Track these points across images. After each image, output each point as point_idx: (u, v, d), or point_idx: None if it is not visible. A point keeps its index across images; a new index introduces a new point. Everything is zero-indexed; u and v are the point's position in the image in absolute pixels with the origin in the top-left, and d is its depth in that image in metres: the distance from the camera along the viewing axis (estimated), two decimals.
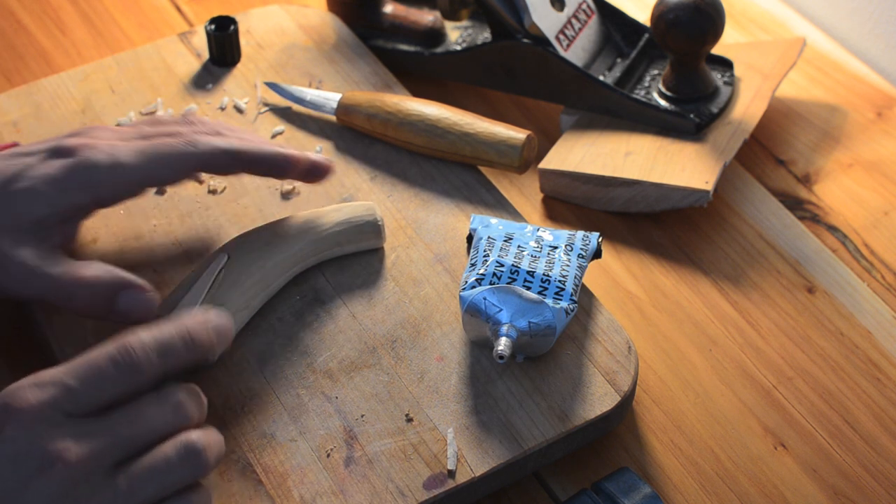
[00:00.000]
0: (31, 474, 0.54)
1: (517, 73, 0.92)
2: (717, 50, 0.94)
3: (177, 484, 0.58)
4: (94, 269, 0.69)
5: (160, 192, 0.84)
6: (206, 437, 0.60)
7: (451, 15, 0.93)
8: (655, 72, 0.92)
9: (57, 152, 0.72)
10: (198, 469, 0.58)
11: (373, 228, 0.78)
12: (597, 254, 0.78)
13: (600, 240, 0.78)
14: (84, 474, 0.55)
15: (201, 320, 0.62)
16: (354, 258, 0.79)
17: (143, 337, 0.60)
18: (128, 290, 0.69)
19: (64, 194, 0.70)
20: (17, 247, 0.69)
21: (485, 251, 0.75)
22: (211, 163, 0.73)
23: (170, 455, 0.58)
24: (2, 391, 0.57)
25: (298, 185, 0.84)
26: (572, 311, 0.72)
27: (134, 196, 0.74)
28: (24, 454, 0.54)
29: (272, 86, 0.91)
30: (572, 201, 0.88)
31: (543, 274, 0.73)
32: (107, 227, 0.82)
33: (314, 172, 0.77)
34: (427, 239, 0.81)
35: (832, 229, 0.87)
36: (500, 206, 0.83)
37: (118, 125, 0.85)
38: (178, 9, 1.07)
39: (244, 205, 0.83)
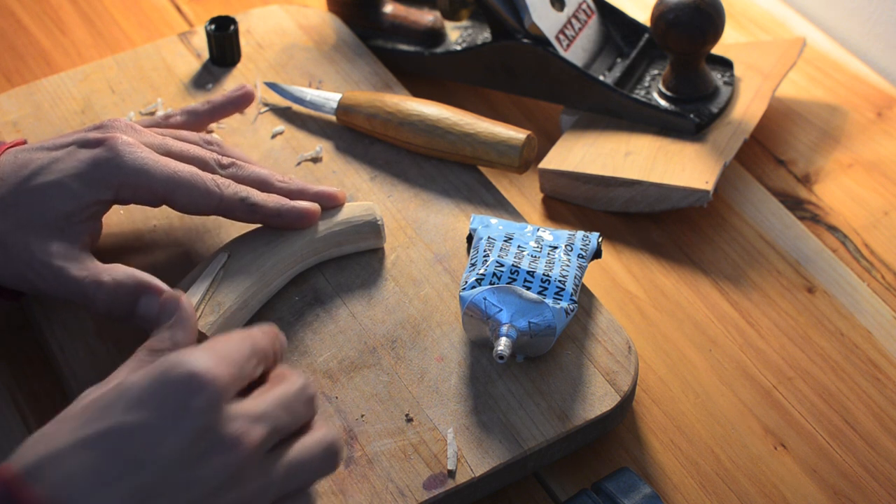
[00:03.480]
0: (212, 450, 0.53)
1: (517, 73, 0.92)
2: (717, 50, 0.94)
3: (316, 478, 0.59)
4: (116, 274, 0.70)
5: None
6: (341, 438, 0.60)
7: (451, 15, 0.93)
8: (655, 72, 0.92)
9: (84, 145, 0.72)
10: (333, 466, 0.59)
11: (372, 229, 0.78)
12: (597, 254, 0.78)
13: (600, 240, 0.78)
14: (254, 459, 0.55)
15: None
16: (354, 258, 0.79)
17: (261, 338, 0.60)
18: (148, 294, 0.69)
19: (90, 188, 0.71)
20: (44, 244, 0.70)
21: (485, 251, 0.75)
22: (228, 212, 0.74)
23: (315, 451, 0.58)
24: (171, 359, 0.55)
25: None
26: (572, 311, 0.72)
27: (147, 205, 0.74)
28: (210, 430, 0.54)
29: (272, 86, 0.91)
30: (572, 201, 0.88)
31: (543, 274, 0.73)
32: (107, 226, 0.81)
33: (329, 206, 0.79)
34: (427, 239, 0.81)
35: (832, 229, 0.87)
36: (500, 206, 0.83)
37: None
38: (178, 9, 1.07)
39: None
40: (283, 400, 0.58)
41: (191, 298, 0.71)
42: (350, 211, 0.79)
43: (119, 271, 0.70)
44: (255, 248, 0.75)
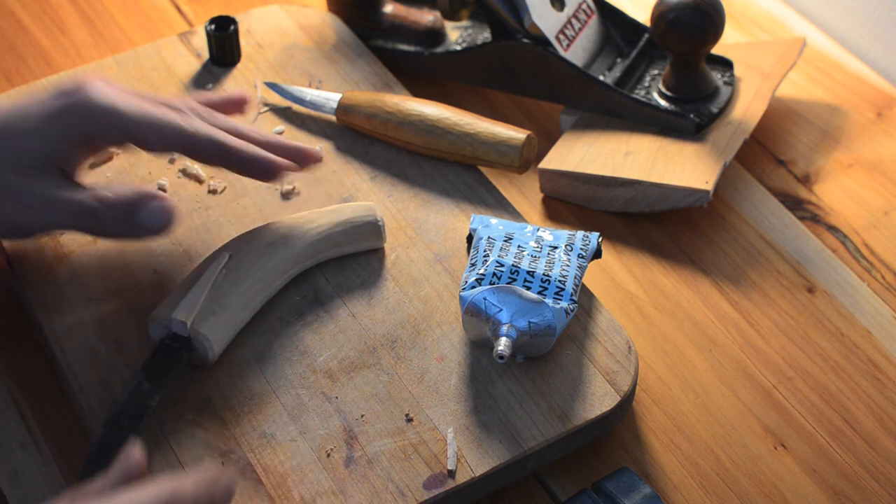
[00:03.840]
0: None
1: (517, 73, 0.92)
2: (717, 50, 0.94)
3: None
4: (116, 188, 0.71)
5: (171, 161, 0.85)
6: None
7: (451, 15, 0.93)
8: (655, 72, 0.92)
9: (58, 96, 0.72)
10: None
11: (373, 229, 0.78)
12: (597, 254, 0.78)
13: (600, 240, 0.78)
14: None
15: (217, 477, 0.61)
16: (354, 258, 0.79)
17: (191, 489, 0.58)
18: (147, 201, 0.70)
19: (59, 130, 0.71)
20: (29, 180, 0.70)
21: (485, 251, 0.75)
22: (197, 148, 0.74)
23: None
24: None
25: (299, 185, 0.84)
26: (572, 311, 0.72)
27: (119, 145, 0.74)
28: None
29: (272, 86, 0.91)
30: (572, 201, 0.88)
31: (543, 274, 0.73)
32: None
33: (303, 164, 0.78)
34: (427, 239, 0.81)
35: (832, 229, 0.87)
36: (500, 206, 0.83)
37: None
38: (178, 9, 1.07)
39: (244, 205, 0.83)
40: None
41: (192, 299, 0.72)
42: (350, 211, 0.79)
43: (117, 186, 0.71)
44: (255, 248, 0.75)
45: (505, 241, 0.76)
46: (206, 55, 0.95)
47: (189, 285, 0.73)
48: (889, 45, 1.01)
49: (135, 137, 0.73)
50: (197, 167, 0.85)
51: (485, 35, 0.96)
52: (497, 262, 0.74)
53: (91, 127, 0.72)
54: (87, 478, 0.62)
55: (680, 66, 0.88)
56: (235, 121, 0.78)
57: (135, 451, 0.61)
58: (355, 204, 0.79)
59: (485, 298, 0.72)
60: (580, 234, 0.78)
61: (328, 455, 0.69)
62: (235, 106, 0.83)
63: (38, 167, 0.71)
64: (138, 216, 0.71)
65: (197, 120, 0.74)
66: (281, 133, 0.88)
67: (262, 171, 0.75)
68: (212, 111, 0.78)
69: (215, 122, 0.76)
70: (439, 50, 0.95)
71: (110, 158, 0.85)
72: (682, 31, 0.85)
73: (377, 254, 0.80)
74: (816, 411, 0.75)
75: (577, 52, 0.91)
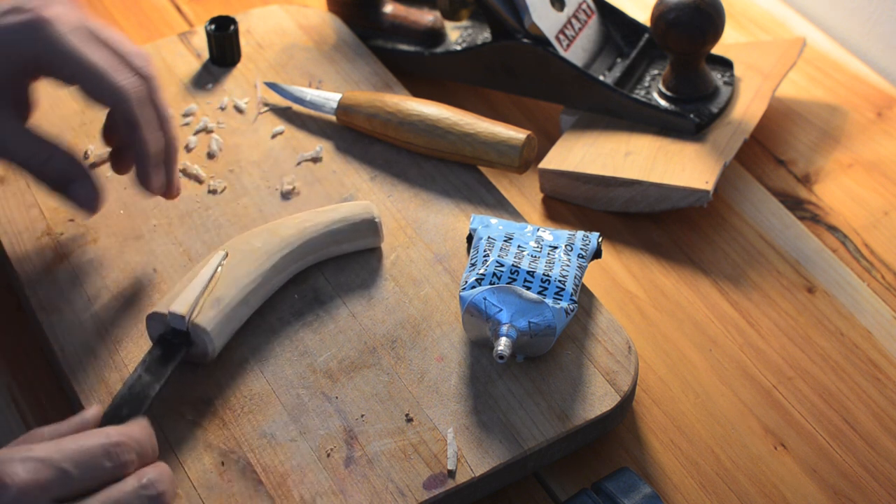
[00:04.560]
0: None
1: (517, 73, 0.92)
2: (717, 50, 0.94)
3: None
4: (64, 146, 0.73)
5: None
6: None
7: (451, 15, 0.93)
8: (655, 72, 0.92)
9: (15, 11, 0.72)
10: None
11: (370, 227, 0.78)
12: (597, 254, 0.78)
13: (600, 240, 0.78)
14: None
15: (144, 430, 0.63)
16: (354, 258, 0.79)
17: (135, 434, 0.61)
18: (84, 181, 0.72)
19: (11, 46, 0.71)
20: None
21: (485, 251, 0.75)
22: (119, 109, 0.73)
23: None
24: None
25: (299, 185, 0.84)
26: (572, 311, 0.72)
27: (59, 83, 0.73)
28: None
29: (272, 86, 0.91)
30: (572, 201, 0.88)
31: (543, 274, 0.73)
32: (107, 226, 0.82)
33: (168, 194, 0.78)
34: (427, 239, 0.81)
35: (832, 229, 0.87)
36: (500, 206, 0.83)
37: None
38: (178, 9, 1.07)
39: (244, 205, 0.83)
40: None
41: (189, 294, 0.72)
42: (348, 209, 0.79)
43: (65, 144, 0.73)
44: (253, 246, 0.75)
45: (505, 241, 0.76)
46: (206, 55, 0.95)
47: (188, 282, 0.73)
48: (889, 45, 1.01)
49: (80, 86, 0.72)
50: (197, 167, 0.85)
51: (485, 35, 0.96)
52: (497, 262, 0.74)
53: (34, 60, 0.71)
54: None
55: (680, 66, 0.88)
56: (168, 110, 0.77)
57: (92, 409, 0.63)
58: (353, 203, 0.79)
59: (485, 298, 0.72)
60: (580, 234, 0.78)
61: (328, 455, 0.69)
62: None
63: None
64: (71, 187, 0.73)
65: (135, 84, 0.73)
66: (281, 133, 0.88)
67: (139, 173, 0.75)
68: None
69: (153, 94, 0.75)
70: (439, 50, 0.95)
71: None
72: (682, 31, 0.85)
73: (377, 254, 0.80)
74: (816, 411, 0.75)
75: (577, 52, 0.91)
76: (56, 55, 0.71)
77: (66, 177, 0.73)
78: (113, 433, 0.60)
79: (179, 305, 0.71)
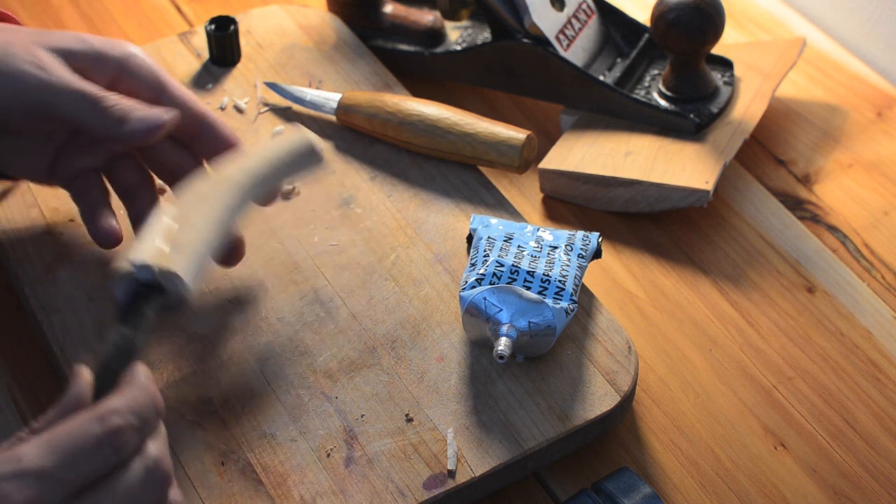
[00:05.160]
0: None
1: (517, 73, 0.92)
2: (717, 50, 0.94)
3: None
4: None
5: None
6: None
7: (451, 15, 0.93)
8: (655, 72, 0.92)
9: None
10: None
11: (309, 149, 0.75)
12: (597, 254, 0.78)
13: (600, 240, 0.78)
14: None
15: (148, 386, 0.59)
16: (354, 258, 0.79)
17: (133, 404, 0.56)
18: (155, 117, 0.72)
19: None
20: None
21: (485, 251, 0.75)
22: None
23: None
24: None
25: (299, 185, 0.84)
26: (572, 311, 0.72)
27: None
28: None
29: (272, 86, 0.91)
30: (572, 201, 0.88)
31: (543, 274, 0.73)
32: None
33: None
34: (427, 239, 0.81)
35: (832, 229, 0.87)
36: (500, 206, 0.83)
37: None
38: (178, 9, 1.07)
39: None
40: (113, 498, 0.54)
41: (147, 244, 0.68)
42: (285, 139, 0.76)
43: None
44: (198, 190, 0.72)
45: (505, 241, 0.76)
46: (206, 55, 0.95)
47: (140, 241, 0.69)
48: (889, 45, 1.01)
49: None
50: None
51: (485, 35, 0.96)
52: (497, 262, 0.74)
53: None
54: None
55: (680, 66, 0.88)
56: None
57: (80, 382, 0.57)
58: (290, 133, 0.77)
59: (485, 298, 0.72)
60: (580, 234, 0.78)
61: (328, 455, 0.69)
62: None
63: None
64: (135, 120, 0.71)
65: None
66: (281, 133, 0.88)
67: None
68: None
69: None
70: (439, 50, 0.95)
71: None
72: (682, 31, 0.85)
73: (377, 253, 0.80)
74: (816, 411, 0.75)
75: (577, 52, 0.91)
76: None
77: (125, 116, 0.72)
78: (109, 415, 0.55)
79: (141, 254, 0.67)
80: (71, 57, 0.73)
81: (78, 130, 0.75)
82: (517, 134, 0.84)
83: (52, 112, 0.71)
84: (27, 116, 0.72)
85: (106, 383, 0.60)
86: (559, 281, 0.73)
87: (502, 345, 0.70)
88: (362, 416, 0.71)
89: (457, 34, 0.97)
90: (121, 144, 0.75)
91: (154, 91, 0.75)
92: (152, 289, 0.67)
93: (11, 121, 0.72)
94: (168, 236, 0.68)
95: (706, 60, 0.90)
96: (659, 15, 0.86)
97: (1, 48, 0.70)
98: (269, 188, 0.75)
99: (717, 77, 0.91)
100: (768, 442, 0.74)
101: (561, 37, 0.91)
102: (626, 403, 0.72)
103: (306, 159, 0.76)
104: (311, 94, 0.90)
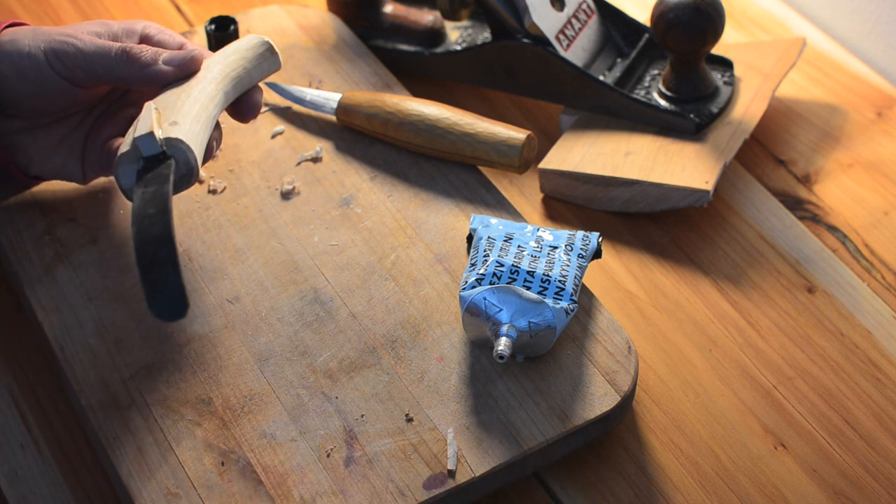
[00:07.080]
0: None
1: (517, 73, 0.92)
2: (717, 50, 0.94)
3: None
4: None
5: None
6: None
7: (451, 15, 0.93)
8: (655, 72, 0.92)
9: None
10: None
11: (265, 48, 0.79)
12: (597, 254, 0.78)
13: (600, 240, 0.78)
14: None
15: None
16: (354, 257, 0.79)
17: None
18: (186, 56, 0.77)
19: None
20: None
21: (485, 251, 0.75)
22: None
23: None
24: None
25: (299, 185, 0.84)
26: (572, 311, 0.72)
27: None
28: None
29: (272, 86, 0.91)
30: (572, 201, 0.88)
31: (543, 274, 0.73)
32: (107, 227, 0.82)
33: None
34: (427, 239, 0.81)
35: (832, 229, 0.87)
36: (500, 206, 0.83)
37: None
38: (178, 9, 1.07)
39: (244, 205, 0.83)
40: None
41: (144, 124, 0.69)
42: (243, 41, 0.80)
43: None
44: (176, 86, 0.75)
45: (505, 241, 0.76)
46: None
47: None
48: (889, 45, 1.01)
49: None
50: None
51: (485, 35, 0.96)
52: (497, 262, 0.74)
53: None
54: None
55: (680, 66, 0.88)
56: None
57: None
58: (249, 36, 0.81)
59: (485, 298, 0.72)
60: (580, 234, 0.78)
61: (328, 455, 0.69)
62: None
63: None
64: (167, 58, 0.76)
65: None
66: (281, 133, 0.88)
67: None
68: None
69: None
70: (439, 50, 0.95)
71: None
72: (682, 31, 0.85)
73: (377, 253, 0.80)
74: (816, 411, 0.75)
75: (577, 52, 0.91)
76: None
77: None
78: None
79: (144, 129, 0.67)
80: (98, 35, 0.78)
81: (114, 89, 0.80)
82: (517, 134, 0.84)
83: (89, 75, 0.75)
84: (64, 93, 0.76)
85: (146, 250, 0.61)
86: (559, 281, 0.73)
87: (502, 345, 0.70)
88: (362, 416, 0.71)
89: (457, 34, 0.97)
90: (154, 84, 0.77)
91: (178, 47, 0.79)
92: (159, 161, 0.67)
93: (50, 102, 0.76)
94: (159, 120, 0.69)
95: (706, 60, 0.90)
96: (659, 15, 0.86)
97: (29, 34, 0.76)
98: (238, 84, 0.78)
99: (717, 77, 0.91)
100: (768, 442, 0.74)
101: (561, 37, 0.91)
102: (626, 403, 0.72)
103: (264, 57, 0.79)
104: (311, 94, 0.90)
